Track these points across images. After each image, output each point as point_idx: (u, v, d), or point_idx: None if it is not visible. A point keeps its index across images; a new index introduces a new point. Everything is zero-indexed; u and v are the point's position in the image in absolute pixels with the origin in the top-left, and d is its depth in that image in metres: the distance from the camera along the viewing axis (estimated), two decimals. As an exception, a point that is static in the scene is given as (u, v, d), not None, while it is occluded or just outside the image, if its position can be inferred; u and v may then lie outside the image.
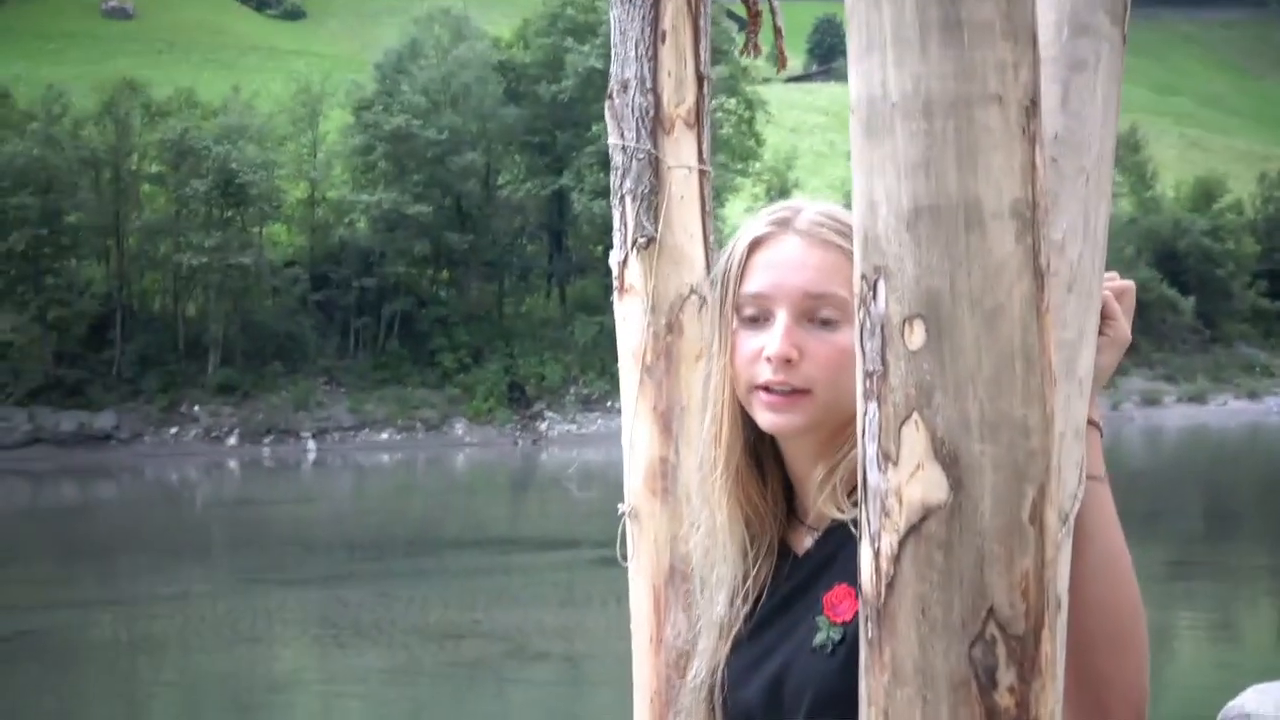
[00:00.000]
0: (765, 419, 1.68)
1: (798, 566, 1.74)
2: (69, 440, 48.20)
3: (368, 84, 55.90)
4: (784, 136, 66.68)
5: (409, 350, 53.22)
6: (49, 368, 49.29)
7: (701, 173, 3.76)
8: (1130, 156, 68.05)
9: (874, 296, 1.05)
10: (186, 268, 50.18)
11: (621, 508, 3.83)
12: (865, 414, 1.06)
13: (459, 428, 51.64)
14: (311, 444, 49.59)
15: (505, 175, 56.19)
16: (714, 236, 3.82)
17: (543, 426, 52.36)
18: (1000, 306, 1.03)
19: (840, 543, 1.69)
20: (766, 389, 1.67)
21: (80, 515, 34.03)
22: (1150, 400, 57.59)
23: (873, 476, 1.06)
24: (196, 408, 50.09)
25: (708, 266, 3.77)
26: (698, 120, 3.77)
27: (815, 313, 1.68)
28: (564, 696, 13.78)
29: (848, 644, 1.58)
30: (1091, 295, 1.25)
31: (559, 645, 15.73)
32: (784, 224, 1.73)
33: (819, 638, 1.64)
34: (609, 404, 53.16)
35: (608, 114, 3.81)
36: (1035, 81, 1.04)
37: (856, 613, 1.57)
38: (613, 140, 3.79)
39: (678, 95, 3.71)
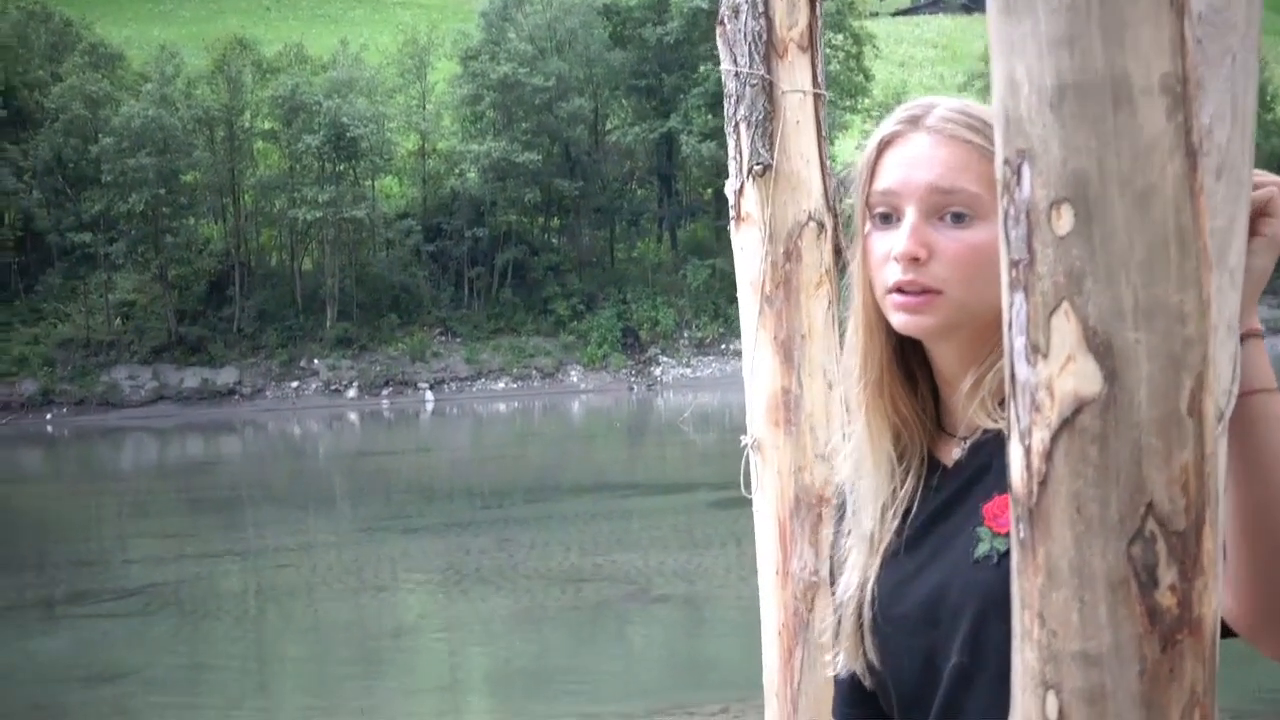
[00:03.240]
0: (898, 320, 1.65)
1: (948, 478, 1.70)
2: (192, 397, 49.13)
3: (474, 33, 56.10)
4: (893, 71, 65.97)
5: (522, 299, 53.56)
6: (171, 326, 50.16)
7: (816, 97, 3.71)
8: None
9: (1018, 181, 1.00)
10: (301, 223, 50.83)
11: (744, 439, 3.81)
12: (1011, 305, 1.01)
13: (574, 374, 51.95)
14: (429, 394, 50.15)
15: (613, 120, 56.20)
16: (830, 163, 3.77)
17: (657, 371, 52.52)
18: (1152, 186, 0.97)
19: (993, 452, 1.65)
20: (899, 290, 1.64)
21: (205, 470, 34.68)
22: (1275, 329, 56.59)
23: (1021, 370, 1.01)
24: (315, 361, 50.82)
25: (825, 192, 3.73)
26: (811, 43, 3.72)
27: (944, 209, 1.64)
28: (687, 637, 13.82)
29: None
30: (1242, 182, 1.19)
31: (680, 587, 15.76)
32: (914, 121, 1.69)
33: (981, 549, 1.61)
34: (723, 347, 53.17)
35: (719, 40, 3.77)
36: (1183, -53, 0.98)
37: None
38: (725, 66, 3.75)
39: (790, 18, 3.66)
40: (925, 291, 1.63)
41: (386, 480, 29.38)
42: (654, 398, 49.22)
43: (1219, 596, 1.02)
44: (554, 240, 56.07)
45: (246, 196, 52.78)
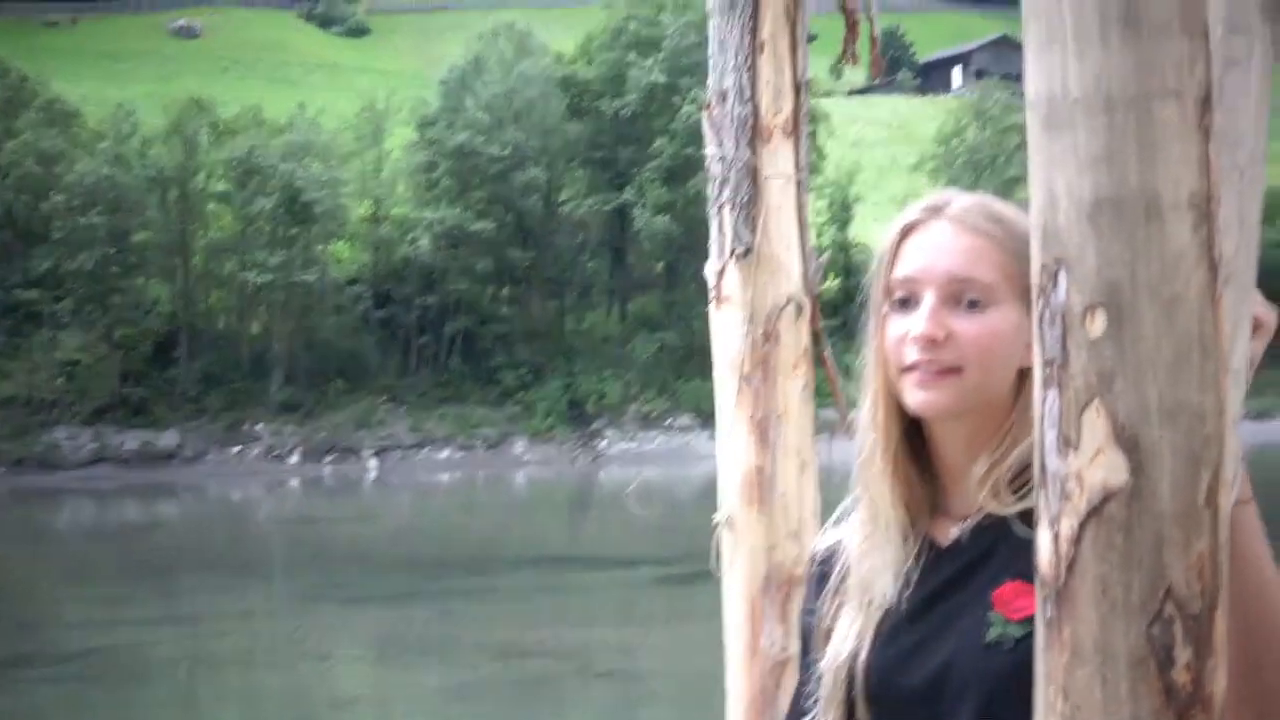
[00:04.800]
0: (914, 397, 1.72)
1: (946, 558, 1.77)
2: (133, 459, 48.66)
3: (432, 100, 56.27)
4: (845, 150, 66.58)
5: (470, 368, 53.46)
6: (115, 386, 49.77)
7: (799, 182, 3.81)
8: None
9: (1054, 286, 1.09)
10: (251, 286, 50.62)
11: (716, 517, 3.88)
12: (1044, 401, 1.10)
13: (519, 446, 51.81)
14: (373, 462, 49.89)
15: (567, 191, 56.38)
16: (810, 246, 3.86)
17: (602, 445, 52.45)
18: (1179, 295, 1.06)
19: (997, 537, 1.72)
20: (915, 369, 1.72)
21: (144, 533, 34.36)
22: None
23: (1052, 461, 1.09)
24: (259, 426, 50.48)
25: (804, 275, 3.82)
26: (795, 129, 3.82)
27: (962, 295, 1.72)
28: (628, 714, 13.79)
29: (1029, 641, 1.61)
30: (1245, 288, 1.28)
31: (622, 663, 15.75)
32: (935, 211, 1.78)
33: (993, 633, 1.67)
34: (668, 422, 53.20)
35: (705, 124, 3.86)
36: (1209, 77, 1.08)
37: None
38: (710, 150, 3.84)
39: (776, 104, 3.76)
40: (944, 370, 1.70)
41: (327, 548, 29.15)
42: (598, 471, 49.15)
43: (1225, 676, 1.10)
44: (504, 310, 56.09)
45: (197, 258, 52.60)
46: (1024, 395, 1.72)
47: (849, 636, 1.80)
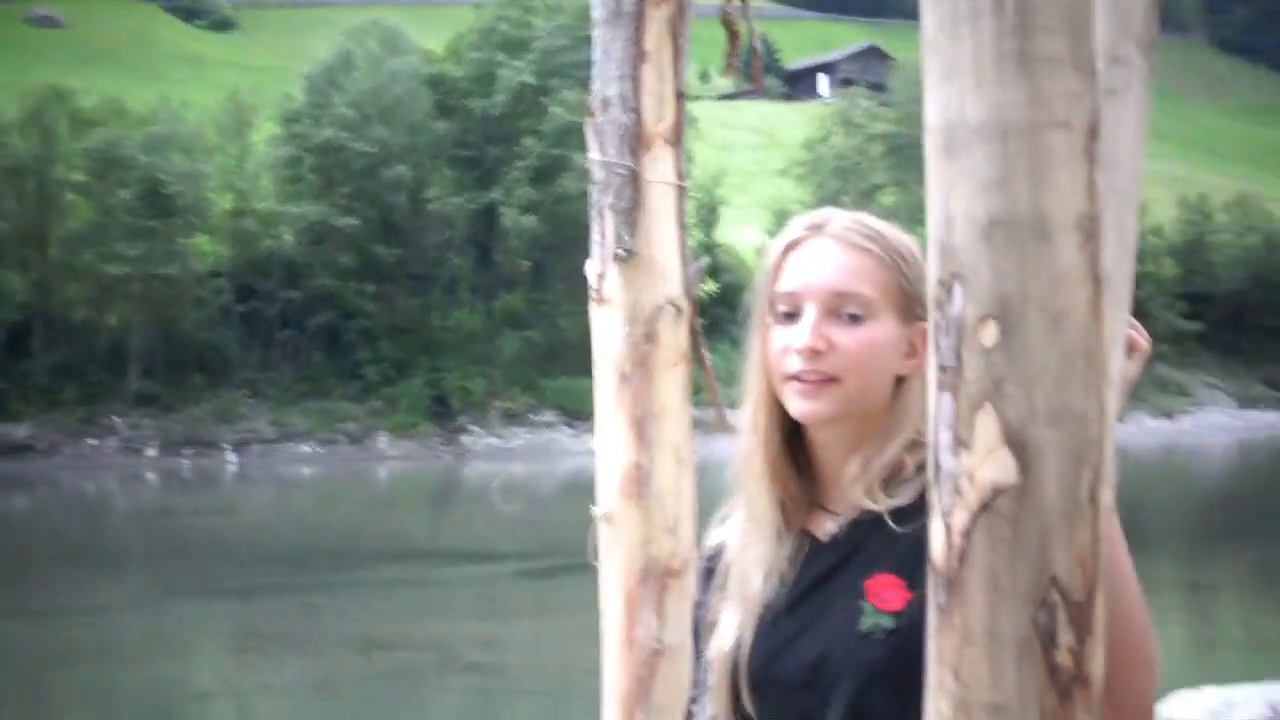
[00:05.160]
0: (796, 406, 1.82)
1: (822, 551, 1.86)
2: (-15, 451, 47.63)
3: (297, 96, 55.70)
4: (713, 154, 67.02)
5: (333, 363, 53.01)
6: (-33, 377, 48.69)
7: (679, 189, 3.90)
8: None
9: (950, 299, 1.18)
10: (109, 278, 49.77)
11: (594, 512, 3.95)
12: (938, 404, 1.19)
13: (382, 441, 51.47)
14: (232, 456, 49.29)
15: (434, 189, 56.09)
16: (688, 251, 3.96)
17: (466, 440, 52.29)
18: (1065, 309, 1.16)
19: (869, 531, 1.82)
20: (798, 378, 1.81)
21: (-3, 525, 33.67)
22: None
23: (945, 460, 1.18)
24: (116, 419, 49.65)
25: (684, 279, 3.91)
26: (677, 137, 3.91)
27: (842, 309, 1.82)
28: (493, 706, 13.83)
29: (901, 631, 1.73)
30: (1121, 304, 1.38)
31: (487, 656, 15.77)
32: (817, 228, 1.88)
33: (866, 623, 1.77)
34: (532, 418, 53.21)
35: (589, 131, 3.93)
36: (1095, 109, 1.17)
37: (909, 602, 1.72)
38: (594, 156, 3.92)
39: (658, 113, 3.85)
40: (824, 380, 1.80)
41: (185, 542, 28.76)
42: (462, 467, 49.00)
43: (1103, 659, 1.20)
44: (368, 305, 55.68)
45: (54, 248, 51.59)
46: (898, 400, 1.85)
47: (731, 628, 1.89)
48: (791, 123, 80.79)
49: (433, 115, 55.07)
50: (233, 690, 14.80)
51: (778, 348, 1.83)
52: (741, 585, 1.90)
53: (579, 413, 53.08)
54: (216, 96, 57.34)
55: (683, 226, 3.77)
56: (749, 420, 1.88)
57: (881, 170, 67.53)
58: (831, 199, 66.07)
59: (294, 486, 44.24)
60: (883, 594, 1.76)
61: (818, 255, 1.84)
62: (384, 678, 14.77)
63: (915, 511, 1.77)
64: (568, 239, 55.53)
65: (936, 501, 1.20)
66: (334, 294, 53.28)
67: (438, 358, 54.08)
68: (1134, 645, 1.59)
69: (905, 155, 67.71)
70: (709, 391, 3.92)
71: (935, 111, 1.20)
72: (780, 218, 65.60)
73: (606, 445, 3.76)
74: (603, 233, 3.78)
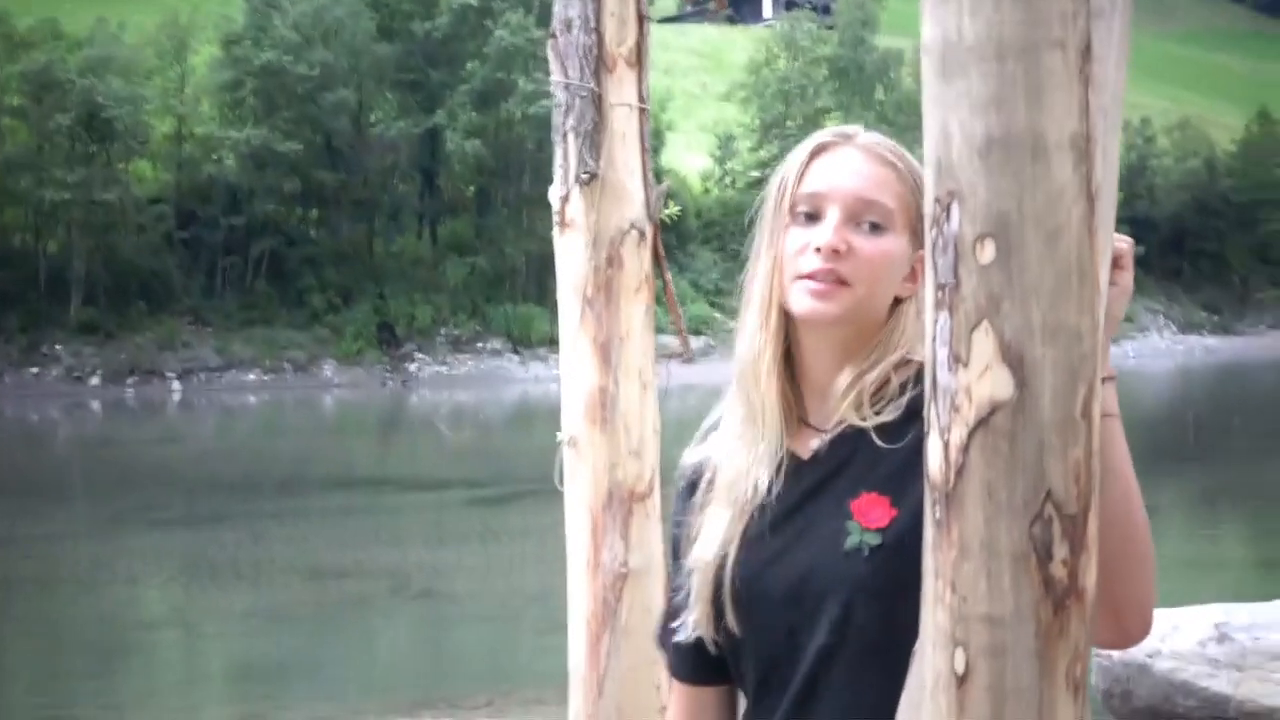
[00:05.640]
0: (803, 304, 1.83)
1: (806, 469, 1.88)
2: (-76, 380, 47.22)
3: (237, 18, 55.06)
4: (658, 77, 66.65)
5: (277, 290, 52.74)
6: (-96, 305, 48.16)
7: (642, 111, 3.89)
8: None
9: (948, 217, 1.19)
10: (48, 203, 49.25)
11: (560, 436, 3.96)
12: (936, 322, 1.20)
13: (327, 369, 51.35)
14: (176, 384, 49.06)
15: (377, 113, 55.74)
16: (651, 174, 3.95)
17: (412, 368, 52.25)
18: (1060, 227, 1.17)
19: (855, 448, 1.84)
20: (810, 277, 1.82)
21: (-61, 455, 33.42)
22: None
23: (943, 377, 1.20)
24: (58, 347, 49.31)
25: (647, 203, 3.91)
26: (639, 59, 3.90)
27: (863, 216, 1.84)
28: (448, 631, 13.90)
29: (887, 548, 1.75)
30: (1107, 220, 1.40)
31: (438, 583, 15.83)
32: (846, 137, 1.89)
33: (850, 541, 1.79)
34: (479, 345, 53.17)
35: (550, 52, 3.91)
36: (1088, 28, 1.19)
37: (893, 519, 1.76)
38: (555, 78, 3.90)
39: (620, 35, 3.84)
40: (837, 282, 1.82)
41: (132, 471, 28.63)
42: (408, 394, 48.97)
43: (1095, 571, 1.23)
44: (312, 232, 55.38)
45: (-10, 174, 51.01)
46: (892, 320, 1.87)
47: (717, 537, 1.90)
48: (735, 45, 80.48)
49: (375, 38, 54.62)
50: (182, 619, 14.80)
51: (795, 246, 1.84)
52: (730, 490, 1.91)
53: (526, 340, 53.12)
54: (154, 18, 56.58)
55: (645, 150, 3.77)
56: (756, 320, 1.88)
57: (826, 94, 67.44)
58: (776, 123, 66.07)
59: (239, 415, 44.11)
60: (869, 513, 1.78)
61: (846, 161, 1.86)
62: (335, 605, 14.81)
63: (900, 429, 1.80)
64: (513, 164, 55.34)
65: (934, 418, 1.21)
66: (277, 220, 52.95)
67: (383, 284, 53.90)
68: (1137, 545, 1.62)
69: (850, 79, 67.68)
70: (672, 315, 3.94)
71: (932, 31, 1.21)
72: (725, 142, 65.61)
73: (570, 370, 3.76)
74: (565, 156, 3.77)
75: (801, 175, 1.87)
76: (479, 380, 50.49)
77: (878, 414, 1.83)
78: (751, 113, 67.24)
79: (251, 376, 50.06)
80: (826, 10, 76.71)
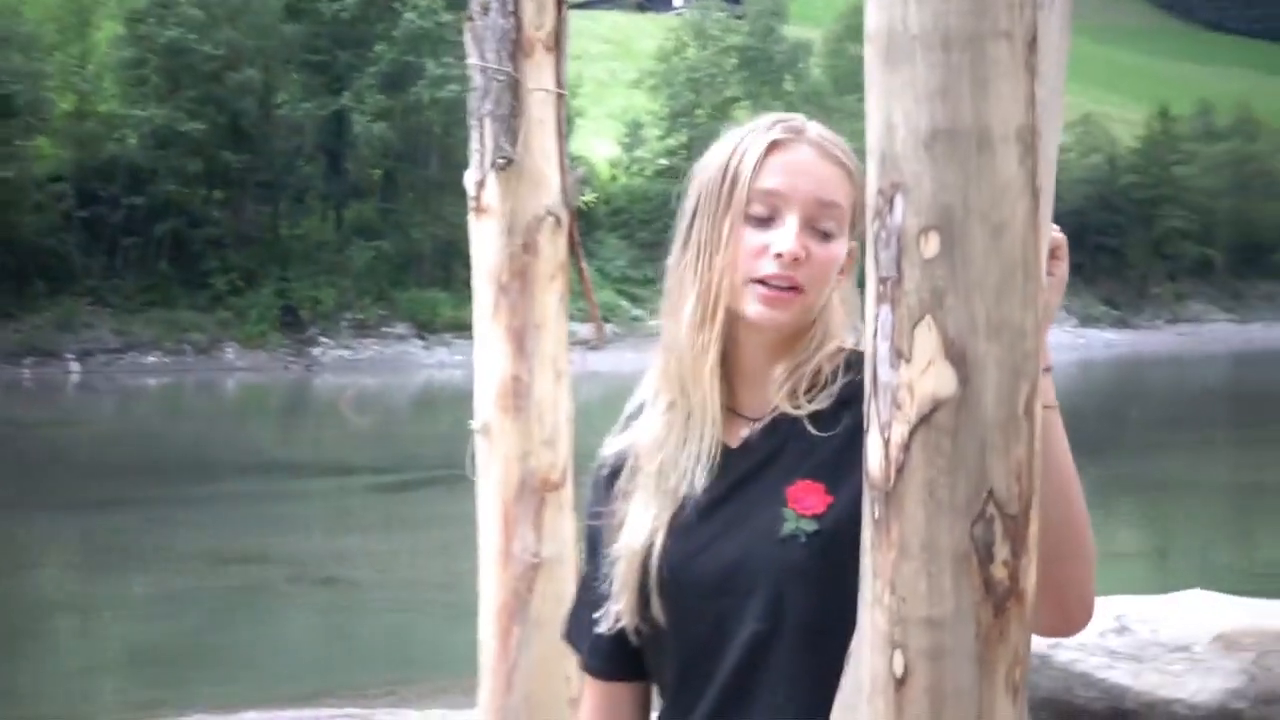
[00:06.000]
0: (756, 310, 1.80)
1: (736, 457, 1.86)
2: None
3: (141, -5, 54.21)
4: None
5: (179, 271, 52.01)
6: None
7: (559, 96, 3.84)
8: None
9: (890, 209, 1.16)
10: (-56, 180, 48.29)
11: (472, 424, 3.91)
12: (877, 316, 1.17)
13: (229, 351, 50.74)
14: (75, 366, 48.26)
15: (283, 94, 55.05)
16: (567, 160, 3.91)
17: (316, 352, 51.73)
18: (1005, 221, 1.15)
19: (787, 436, 1.83)
20: (764, 283, 1.80)
21: None
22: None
23: (884, 372, 1.17)
24: (-49, 327, 48.37)
25: (563, 189, 3.87)
26: (557, 44, 3.86)
27: (819, 221, 1.81)
28: (351, 619, 13.78)
29: (823, 534, 1.74)
30: (1045, 214, 1.38)
31: (341, 570, 15.70)
32: (798, 133, 1.85)
33: (786, 528, 1.77)
34: (384, 330, 52.78)
35: (467, 35, 3.86)
36: (1034, 19, 1.16)
37: (829, 505, 1.75)
38: (473, 61, 3.84)
39: (538, 19, 3.79)
40: (791, 288, 1.80)
41: (29, 453, 28.18)
42: (312, 378, 48.53)
43: (1034, 573, 1.20)
44: (215, 213, 54.63)
45: (-116, 148, 49.90)
46: (824, 311, 1.85)
47: (644, 526, 1.88)
48: (645, 33, 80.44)
49: (282, 17, 53.98)
50: (80, 605, 14.57)
51: (750, 248, 1.81)
52: (661, 480, 1.88)
53: (431, 325, 52.81)
54: (56, -7, 55.57)
55: (562, 136, 3.73)
56: (696, 316, 1.84)
57: (735, 83, 67.54)
58: (685, 111, 66.12)
59: (139, 397, 43.52)
60: (804, 500, 1.77)
61: (802, 161, 1.83)
62: (237, 591, 14.64)
63: (832, 416, 1.80)
64: (420, 148, 54.97)
65: (874, 414, 1.19)
66: (180, 201, 52.19)
67: (287, 267, 53.32)
68: (1079, 534, 1.64)
69: (759, 68, 67.83)
70: (588, 303, 3.90)
71: (876, 18, 1.18)
72: (633, 130, 65.54)
73: (484, 358, 3.72)
74: (481, 141, 3.72)
75: (757, 171, 1.83)
76: (383, 365, 50.13)
77: (810, 402, 1.82)
78: (660, 101, 67.20)
79: (152, 359, 49.35)
80: (736, 0, 76.81)
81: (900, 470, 1.16)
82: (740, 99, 66.87)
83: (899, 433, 1.17)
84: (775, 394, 1.85)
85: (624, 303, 51.59)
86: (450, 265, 54.63)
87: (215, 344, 50.70)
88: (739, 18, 70.87)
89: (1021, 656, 1.18)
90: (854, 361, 1.86)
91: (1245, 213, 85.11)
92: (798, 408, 1.83)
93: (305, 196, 56.66)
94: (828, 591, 1.72)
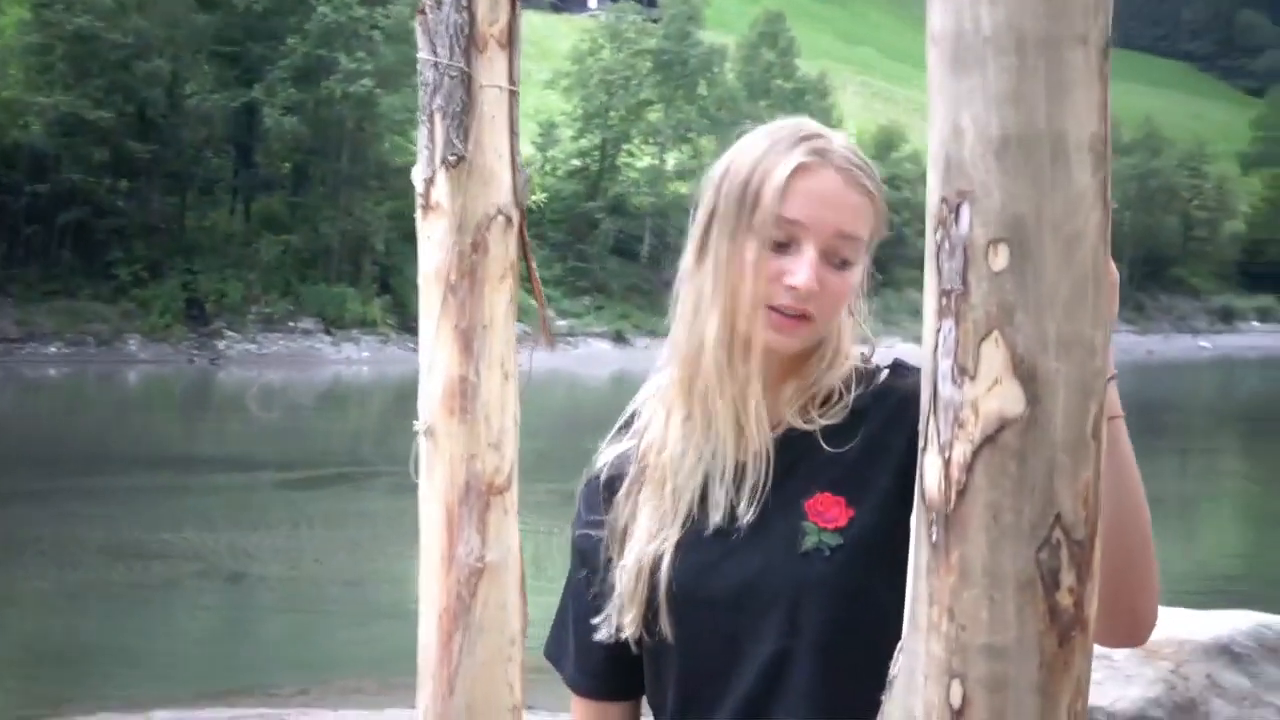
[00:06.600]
0: (768, 336, 1.78)
1: (748, 471, 1.83)
2: None
3: (48, -20, 53.35)
4: (479, 64, 66.19)
5: (82, 261, 51.24)
6: None
7: (512, 93, 3.77)
8: (818, 102, 70.00)
9: (955, 219, 1.11)
10: None
11: (417, 425, 3.83)
12: (939, 330, 1.12)
13: (133, 343, 50.04)
14: (-28, 355, 47.44)
15: (193, 84, 54.40)
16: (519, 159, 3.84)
17: (221, 345, 51.17)
18: (1079, 233, 1.10)
19: (800, 451, 1.80)
20: (777, 310, 1.77)
21: None
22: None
23: (945, 389, 1.12)
24: None
25: (514, 188, 3.79)
26: (510, 40, 3.78)
27: (837, 252, 1.79)
28: (262, 617, 13.60)
29: (846, 548, 1.72)
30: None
31: (249, 566, 15.50)
32: (823, 155, 1.81)
33: (808, 542, 1.75)
34: (291, 324, 52.30)
35: (419, 29, 3.76)
36: (1108, 25, 1.12)
37: (851, 519, 1.72)
38: (423, 56, 3.76)
39: (492, 14, 3.70)
40: (801, 316, 1.77)
41: (-76, 444, 27.61)
42: (216, 372, 47.98)
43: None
44: (121, 203, 53.85)
45: None
46: (834, 329, 1.83)
47: (653, 538, 1.83)
48: (559, 33, 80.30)
49: (192, 7, 53.33)
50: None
51: (767, 273, 1.79)
52: (674, 496, 1.84)
53: (338, 320, 52.42)
54: (-41, -23, 54.62)
55: (514, 134, 3.65)
56: (716, 333, 1.82)
57: (649, 86, 67.56)
58: (599, 113, 66.07)
59: (39, 389, 42.82)
60: (826, 513, 1.75)
61: (829, 190, 1.79)
62: (142, 588, 14.40)
63: (845, 431, 1.78)
64: (331, 142, 54.55)
65: (933, 433, 1.13)
66: (85, 190, 51.40)
67: (193, 259, 52.70)
68: (1149, 549, 1.61)
69: (673, 72, 67.87)
70: (538, 304, 3.83)
71: (943, 20, 1.13)
72: (547, 130, 65.38)
73: (430, 358, 3.63)
74: (432, 137, 3.63)
75: (780, 197, 1.78)
76: (289, 360, 49.66)
77: (822, 417, 1.80)
78: (574, 102, 67.10)
79: (53, 349, 48.58)
80: (652, 3, 76.86)
81: (962, 492, 1.11)
82: (654, 102, 66.96)
83: (961, 453, 1.11)
84: (785, 410, 1.83)
85: (533, 303, 51.44)
86: (359, 261, 54.26)
87: (118, 335, 49.99)
88: (654, 21, 70.90)
89: (1083, 687, 1.13)
90: (864, 375, 1.83)
91: (1148, 226, 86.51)
92: (809, 423, 1.81)
93: (213, 188, 56.06)
94: (849, 607, 1.70)
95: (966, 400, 1.11)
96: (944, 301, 1.12)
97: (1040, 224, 1.10)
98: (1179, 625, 7.12)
